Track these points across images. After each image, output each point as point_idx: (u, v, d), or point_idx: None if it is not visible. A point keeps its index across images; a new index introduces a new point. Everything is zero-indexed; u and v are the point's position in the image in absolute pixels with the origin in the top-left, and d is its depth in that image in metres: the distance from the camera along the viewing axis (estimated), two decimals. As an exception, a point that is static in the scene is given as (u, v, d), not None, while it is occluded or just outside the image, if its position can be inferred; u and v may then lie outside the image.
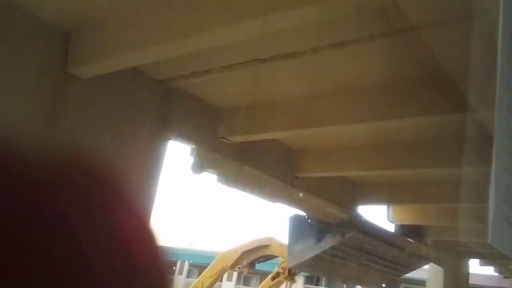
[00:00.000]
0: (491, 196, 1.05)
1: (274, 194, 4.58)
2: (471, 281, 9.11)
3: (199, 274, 10.36)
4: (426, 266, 7.81)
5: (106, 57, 2.69)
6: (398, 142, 3.89)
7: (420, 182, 4.79)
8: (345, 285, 34.08)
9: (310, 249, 5.52)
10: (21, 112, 2.51)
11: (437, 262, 7.36)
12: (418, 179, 4.77)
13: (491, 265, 9.21)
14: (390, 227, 6.21)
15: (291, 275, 9.72)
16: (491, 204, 1.05)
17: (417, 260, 6.85)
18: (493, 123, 1.11)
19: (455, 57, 2.37)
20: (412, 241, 6.20)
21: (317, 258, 5.58)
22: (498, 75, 1.11)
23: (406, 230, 6.21)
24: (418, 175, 4.57)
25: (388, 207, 6.03)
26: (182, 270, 39.53)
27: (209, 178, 4.25)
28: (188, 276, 36.19)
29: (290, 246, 5.77)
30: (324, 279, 35.93)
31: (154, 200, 2.91)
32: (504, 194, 1.12)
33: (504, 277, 10.77)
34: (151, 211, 2.70)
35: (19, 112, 2.48)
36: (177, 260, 40.90)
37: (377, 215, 6.35)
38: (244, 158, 4.02)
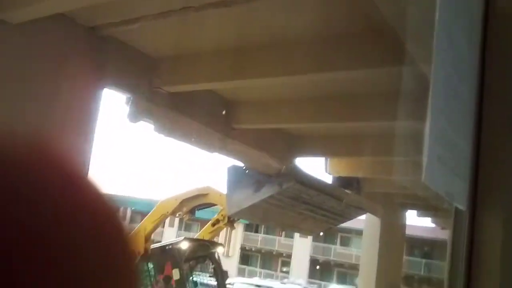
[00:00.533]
0: (426, 137, 1.01)
1: (211, 144, 4.52)
2: (409, 232, 9.54)
3: (141, 220, 10.40)
4: (363, 217, 8.08)
5: (35, 1, 2.54)
6: (334, 95, 3.87)
7: (356, 135, 4.84)
8: (283, 233, 35.31)
9: (248, 198, 5.57)
10: None
11: (373, 212, 7.61)
12: (355, 132, 4.81)
13: (428, 216, 9.65)
14: (328, 179, 6.32)
15: (230, 222, 9.93)
16: (426, 145, 1.01)
17: (354, 211, 7.05)
18: (430, 71, 1.07)
19: (393, 8, 2.30)
20: (349, 192, 6.35)
21: (255, 207, 5.64)
22: (436, 19, 1.05)
23: (344, 182, 6.35)
24: (355, 128, 4.60)
25: (326, 159, 6.11)
26: (125, 216, 39.67)
27: (146, 127, 4.17)
28: (131, 222, 36.36)
29: (229, 195, 5.80)
30: (263, 227, 37.02)
31: (91, 149, 2.79)
32: (439, 136, 1.08)
33: (441, 228, 11.38)
34: (89, 161, 2.59)
35: None
36: (119, 207, 40.91)
37: (316, 167, 6.44)
38: (180, 108, 3.94)
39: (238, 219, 10.80)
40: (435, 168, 1.07)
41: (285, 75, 3.10)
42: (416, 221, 12.04)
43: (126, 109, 3.74)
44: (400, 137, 3.88)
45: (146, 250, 9.54)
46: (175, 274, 9.25)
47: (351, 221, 7.85)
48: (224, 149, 4.67)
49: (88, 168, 2.59)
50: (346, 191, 6.30)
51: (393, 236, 8.03)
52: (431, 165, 1.02)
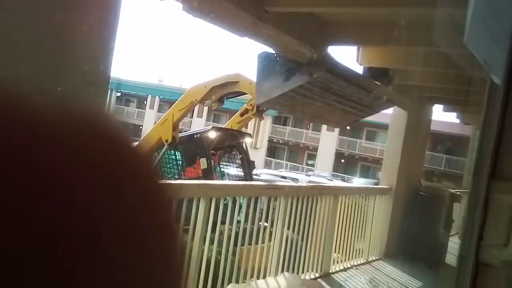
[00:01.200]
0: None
1: (242, 27, 4.41)
2: (433, 127, 9.49)
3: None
4: (390, 111, 8.03)
5: None
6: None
7: (391, 22, 4.64)
8: (311, 125, 35.56)
9: (278, 87, 5.52)
10: None
11: (401, 105, 7.54)
12: (390, 19, 4.61)
13: (454, 111, 9.53)
14: (359, 70, 6.21)
15: (259, 112, 9.95)
16: (471, 5, 0.97)
17: (382, 103, 6.98)
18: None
19: None
20: (379, 84, 6.25)
21: (285, 96, 5.61)
22: None
23: (374, 73, 6.22)
24: (390, 14, 4.41)
25: (358, 49, 5.96)
26: (154, 104, 40.35)
27: (175, 6, 4.06)
28: (159, 110, 37.05)
29: (258, 83, 5.75)
30: (291, 120, 37.31)
31: (117, 24, 2.68)
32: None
33: (464, 124, 11.27)
34: (114, 41, 2.52)
35: None
36: (148, 95, 41.49)
37: (347, 56, 6.30)
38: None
39: (267, 109, 10.83)
40: (478, 30, 1.03)
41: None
42: (442, 116, 11.92)
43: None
44: (438, 25, 3.72)
45: (174, 138, 9.64)
46: (202, 163, 9.40)
47: (377, 114, 7.83)
48: (255, 33, 4.56)
49: (113, 48, 2.51)
50: (376, 82, 6.21)
51: (418, 130, 8.01)
52: (474, 26, 0.99)
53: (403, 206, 7.72)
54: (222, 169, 10.62)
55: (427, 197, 7.81)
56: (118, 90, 40.34)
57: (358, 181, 27.27)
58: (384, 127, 12.39)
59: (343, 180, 28.93)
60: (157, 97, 41.27)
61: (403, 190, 7.74)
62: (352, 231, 6.73)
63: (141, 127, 39.82)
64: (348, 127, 25.93)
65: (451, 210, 8.06)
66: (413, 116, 7.73)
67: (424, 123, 8.48)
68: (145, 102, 41.61)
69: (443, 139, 27.54)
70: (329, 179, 26.01)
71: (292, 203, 5.27)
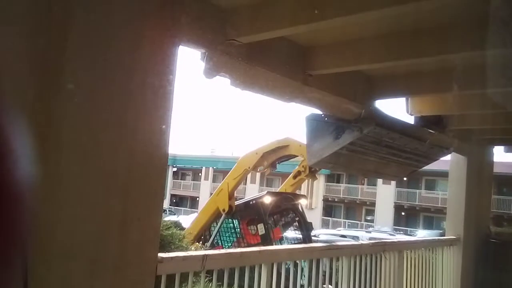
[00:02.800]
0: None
1: (288, 94, 4.50)
2: (496, 169, 9.13)
3: (223, 179, 10.68)
4: (448, 158, 7.81)
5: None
6: (412, 29, 3.68)
7: (439, 70, 4.59)
8: (365, 180, 34.97)
9: (329, 146, 5.51)
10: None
11: (459, 151, 7.33)
12: (437, 67, 4.57)
13: (516, 150, 9.16)
14: (410, 120, 6.12)
15: (311, 172, 9.98)
16: None
17: (439, 151, 6.83)
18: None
19: None
20: (433, 131, 6.12)
21: (336, 155, 5.57)
22: None
23: (427, 121, 6.11)
24: (437, 62, 4.37)
25: (407, 99, 5.89)
26: (208, 175, 41.10)
27: (223, 82, 4.19)
28: (213, 181, 37.63)
29: (308, 144, 5.76)
30: (345, 177, 36.88)
31: (171, 109, 2.82)
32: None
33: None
34: (170, 122, 2.63)
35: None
36: (202, 167, 42.43)
37: (396, 108, 6.25)
38: (255, 59, 3.92)
39: (320, 169, 10.82)
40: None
41: (365, 11, 2.97)
42: (504, 157, 11.51)
43: (201, 65, 3.75)
44: (487, 67, 3.66)
45: (230, 207, 9.78)
46: (260, 229, 9.42)
47: (435, 163, 7.62)
48: (301, 97, 4.63)
49: (169, 131, 2.62)
50: (430, 130, 6.09)
51: (480, 174, 7.72)
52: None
53: (474, 256, 7.35)
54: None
55: (499, 244, 7.41)
56: (174, 166, 41.49)
57: (422, 234, 26.24)
58: (443, 174, 12.05)
59: (406, 234, 27.94)
60: (211, 168, 42.17)
61: (472, 238, 7.39)
62: (421, 286, 6.40)
63: (198, 199, 40.48)
64: (405, 179, 25.34)
65: (527, 256, 7.57)
66: (473, 160, 7.48)
67: (486, 166, 8.17)
68: (199, 174, 42.48)
69: (508, 180, 26.38)
70: (391, 234, 25.21)
71: (355, 262, 5.11)
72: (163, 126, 2.57)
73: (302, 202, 10.64)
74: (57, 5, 2.25)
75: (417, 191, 33.96)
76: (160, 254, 2.80)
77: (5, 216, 0.44)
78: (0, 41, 1.96)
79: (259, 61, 3.93)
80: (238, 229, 9.92)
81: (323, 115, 5.50)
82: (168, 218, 14.99)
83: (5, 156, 0.44)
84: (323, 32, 3.91)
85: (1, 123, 0.45)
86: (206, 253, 3.47)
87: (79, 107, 2.24)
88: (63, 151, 2.16)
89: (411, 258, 6.20)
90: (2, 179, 0.43)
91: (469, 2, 3.03)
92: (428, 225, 32.69)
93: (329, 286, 4.93)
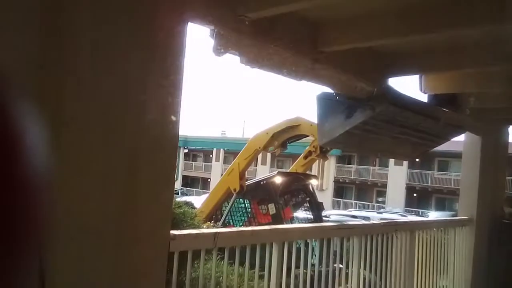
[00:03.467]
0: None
1: (298, 71, 4.44)
2: (511, 149, 9.01)
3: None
4: (462, 138, 7.71)
5: None
6: (425, 3, 3.59)
7: (453, 46, 4.49)
8: (377, 161, 34.86)
9: (340, 126, 5.45)
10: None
11: (474, 131, 7.22)
12: (451, 43, 4.47)
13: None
14: (424, 98, 6.03)
15: (322, 153, 9.95)
16: None
17: (453, 130, 6.73)
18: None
19: None
20: (447, 110, 6.03)
21: (348, 134, 5.52)
22: None
23: (441, 100, 6.01)
24: (451, 38, 4.27)
25: (420, 77, 5.79)
26: (219, 157, 41.27)
27: (232, 59, 4.15)
28: (224, 162, 37.76)
29: (319, 124, 5.71)
30: (356, 158, 36.77)
31: (182, 89, 2.79)
32: None
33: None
34: (180, 103, 2.60)
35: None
36: (213, 149, 42.59)
37: (409, 86, 6.16)
38: (265, 36, 3.86)
39: (331, 150, 10.78)
40: None
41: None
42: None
43: (210, 42, 3.70)
44: (506, 42, 3.57)
45: (241, 186, 9.83)
46: (271, 208, 9.46)
47: (448, 143, 7.53)
48: (312, 75, 4.57)
49: (180, 111, 2.60)
50: (444, 109, 5.99)
51: (495, 155, 7.62)
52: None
53: (487, 237, 7.30)
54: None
55: (513, 224, 7.36)
56: (185, 147, 41.70)
57: (434, 215, 26.18)
58: (457, 155, 11.96)
59: (418, 215, 27.88)
60: (221, 149, 42.33)
61: (485, 219, 7.33)
62: (433, 267, 6.38)
63: (209, 180, 40.70)
64: (417, 159, 25.18)
65: (541, 237, 7.51)
66: (488, 140, 7.38)
67: (501, 146, 8.05)
68: (211, 156, 42.67)
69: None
70: (402, 215, 25.20)
71: (366, 242, 5.09)
72: (174, 107, 2.56)
73: (313, 182, 10.64)
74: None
75: (430, 172, 33.77)
76: (173, 232, 2.81)
77: (24, 207, 0.45)
78: (12, 40, 1.95)
79: (268, 38, 3.87)
80: (249, 209, 9.98)
81: (334, 94, 5.42)
82: (179, 198, 15.11)
83: (21, 148, 0.45)
84: (334, 7, 3.84)
85: (13, 114, 0.47)
86: (218, 231, 3.48)
87: (89, 88, 2.23)
88: (75, 135, 2.16)
89: (423, 239, 6.17)
90: (20, 170, 0.44)
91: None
92: (441, 206, 32.57)
93: (340, 265, 4.93)
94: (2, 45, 1.91)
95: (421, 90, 5.84)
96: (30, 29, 2.08)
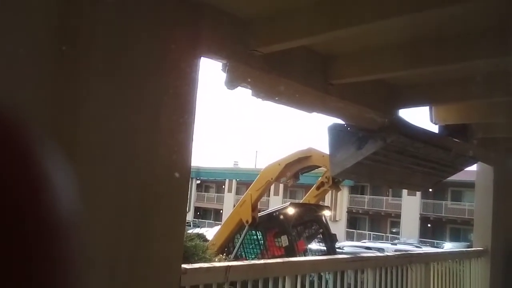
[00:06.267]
0: None
1: (309, 104, 4.48)
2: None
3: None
4: (474, 168, 7.66)
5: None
6: (435, 36, 3.64)
7: (462, 77, 4.53)
8: (390, 192, 34.54)
9: (352, 156, 5.46)
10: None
11: (485, 160, 7.18)
12: (461, 74, 4.50)
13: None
14: (434, 129, 6.03)
15: (335, 183, 9.89)
16: None
17: (464, 160, 6.70)
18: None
19: None
20: (457, 140, 6.02)
21: (359, 165, 5.52)
22: None
23: (451, 130, 6.01)
24: (460, 70, 4.30)
25: (430, 108, 5.81)
26: (231, 188, 41.11)
27: (244, 92, 4.20)
28: (237, 193, 37.63)
29: (331, 155, 5.72)
30: (369, 188, 36.47)
31: (194, 121, 2.83)
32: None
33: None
34: (192, 135, 2.64)
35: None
36: (225, 179, 42.48)
37: (420, 117, 6.16)
38: (276, 69, 3.93)
39: (343, 180, 10.71)
40: None
41: (387, 18, 2.94)
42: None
43: (223, 76, 3.75)
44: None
45: (253, 218, 9.73)
46: (284, 240, 9.35)
47: (461, 173, 7.47)
48: (323, 107, 4.61)
49: (192, 143, 2.63)
50: (455, 139, 5.98)
51: (508, 184, 7.54)
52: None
53: (502, 267, 7.15)
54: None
55: (528, 255, 7.20)
56: (198, 178, 41.68)
57: (448, 246, 25.69)
58: (470, 185, 11.82)
59: (432, 246, 27.40)
60: (234, 180, 42.26)
61: (501, 250, 7.20)
62: (449, 299, 6.26)
63: (221, 211, 40.52)
64: (430, 189, 24.92)
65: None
66: (500, 169, 7.31)
67: (514, 175, 7.96)
68: (223, 186, 42.54)
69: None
70: (417, 246, 24.75)
71: (380, 275, 5.02)
72: (186, 138, 2.59)
73: (326, 213, 10.55)
74: (83, 24, 2.29)
75: (443, 202, 33.34)
76: (184, 265, 2.81)
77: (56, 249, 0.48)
78: (24, 47, 2.01)
79: (279, 71, 3.93)
80: (262, 241, 9.88)
81: (345, 125, 5.45)
82: (191, 230, 15.03)
83: (37, 165, 0.48)
84: (344, 41, 3.90)
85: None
86: (230, 264, 3.46)
87: (103, 121, 2.27)
88: (89, 168, 2.19)
89: (438, 270, 6.08)
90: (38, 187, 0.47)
91: (493, 7, 2.99)
92: (455, 237, 32.03)
93: (354, 298, 4.86)
94: (19, 84, 1.97)
95: (431, 121, 5.85)
96: (46, 65, 2.15)
